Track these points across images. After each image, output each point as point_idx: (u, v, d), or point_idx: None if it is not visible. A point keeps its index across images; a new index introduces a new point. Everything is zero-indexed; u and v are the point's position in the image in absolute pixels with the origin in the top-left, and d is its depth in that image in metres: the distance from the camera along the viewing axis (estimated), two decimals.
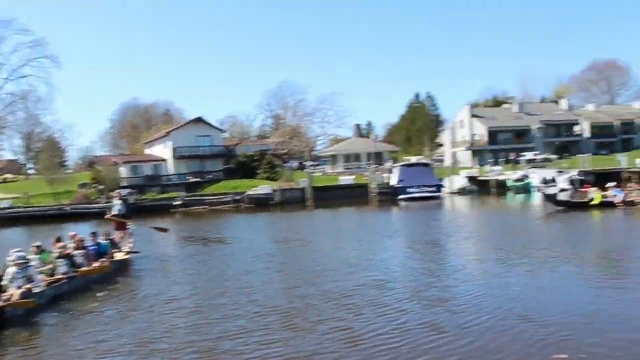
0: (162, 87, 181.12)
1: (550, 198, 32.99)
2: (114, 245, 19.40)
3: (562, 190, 40.81)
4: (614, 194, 30.71)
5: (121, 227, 20.94)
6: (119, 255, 19.05)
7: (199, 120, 69.99)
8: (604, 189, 31.89)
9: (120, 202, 21.59)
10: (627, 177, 47.37)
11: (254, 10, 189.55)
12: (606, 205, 29.78)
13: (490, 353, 8.90)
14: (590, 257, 16.91)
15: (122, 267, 18.47)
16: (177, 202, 50.17)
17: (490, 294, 12.56)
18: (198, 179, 62.30)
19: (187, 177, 63.06)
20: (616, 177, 44.32)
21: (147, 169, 64.82)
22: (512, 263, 16.45)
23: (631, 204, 29.69)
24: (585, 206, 30.70)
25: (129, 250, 20.06)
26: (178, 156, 65.13)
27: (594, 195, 30.78)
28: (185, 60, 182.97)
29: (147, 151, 77.05)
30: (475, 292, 12.75)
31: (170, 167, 65.62)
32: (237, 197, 50.64)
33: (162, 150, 68.40)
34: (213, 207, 49.53)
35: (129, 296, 14.64)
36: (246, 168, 65.48)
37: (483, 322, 10.43)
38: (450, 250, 20.32)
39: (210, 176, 63.59)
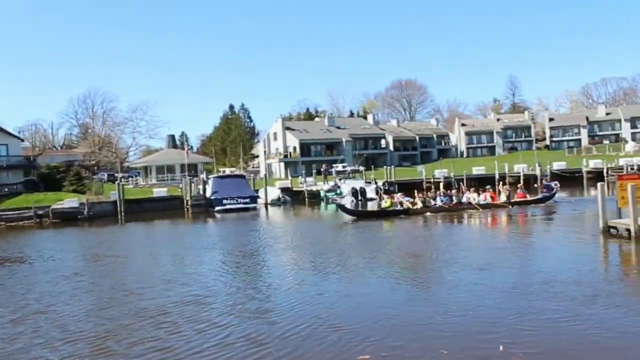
0: None
1: (343, 208, 35.06)
2: None
3: (371, 199, 43.36)
4: (401, 200, 34.22)
5: None
6: None
7: None
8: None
9: None
10: (427, 186, 51.76)
11: (60, 12, 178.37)
12: (398, 212, 32.82)
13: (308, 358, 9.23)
14: (390, 262, 18.21)
15: None
16: None
17: (306, 303, 13.01)
18: None
19: None
20: (417, 187, 48.29)
21: None
22: (323, 272, 17.20)
23: (415, 210, 32.85)
24: (380, 215, 33.47)
25: None
26: None
27: (386, 201, 34.09)
28: None
29: None
30: (292, 303, 13.12)
31: None
32: (41, 212, 46.80)
33: None
34: (11, 224, 45.27)
35: None
36: (50, 180, 60.81)
37: (299, 331, 10.78)
38: (268, 261, 20.62)
39: (7, 189, 58.06)
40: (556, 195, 37.74)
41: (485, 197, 34.67)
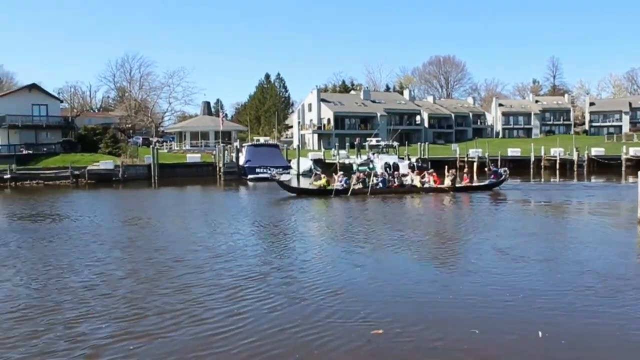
0: None
1: (282, 184, 34.95)
2: None
3: (403, 175, 43.16)
4: (340, 180, 34.08)
5: None
6: None
7: (33, 87, 64.88)
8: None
9: None
10: (460, 165, 51.41)
11: None
12: (338, 192, 32.51)
13: (321, 331, 9.19)
14: (416, 241, 18.01)
15: None
16: (7, 176, 45.86)
17: (326, 278, 12.91)
18: (32, 151, 57.79)
19: (20, 149, 58.36)
20: (450, 165, 48.00)
21: None
22: (347, 246, 17.07)
23: (354, 190, 32.84)
24: (319, 192, 33.14)
25: None
26: (8, 125, 59.85)
27: (322, 182, 33.82)
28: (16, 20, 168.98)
29: None
30: (311, 276, 13.04)
31: None
32: (77, 172, 47.67)
33: None
34: (49, 182, 46.29)
35: None
36: (87, 142, 61.94)
37: (316, 305, 10.69)
38: (295, 232, 20.23)
39: (46, 149, 59.22)
40: (506, 181, 37.08)
41: (428, 180, 34.76)
